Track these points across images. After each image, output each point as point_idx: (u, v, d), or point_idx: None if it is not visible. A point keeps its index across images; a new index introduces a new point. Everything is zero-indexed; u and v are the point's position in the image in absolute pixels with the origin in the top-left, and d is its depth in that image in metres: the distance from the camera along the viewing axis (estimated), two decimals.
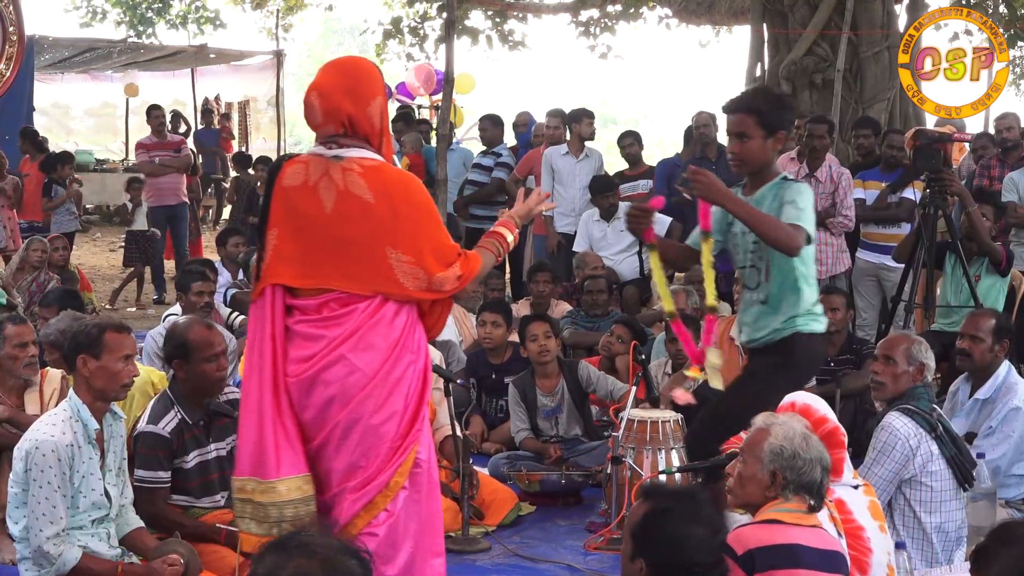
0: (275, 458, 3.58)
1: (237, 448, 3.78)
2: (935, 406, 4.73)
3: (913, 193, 7.94)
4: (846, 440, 4.04)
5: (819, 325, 4.28)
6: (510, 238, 3.88)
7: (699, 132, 9.89)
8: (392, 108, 14.39)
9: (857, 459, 4.54)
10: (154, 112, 12.87)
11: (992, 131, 10.78)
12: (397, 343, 3.59)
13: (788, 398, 4.07)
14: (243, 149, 20.05)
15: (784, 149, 10.00)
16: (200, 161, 17.88)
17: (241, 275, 8.54)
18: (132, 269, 12.37)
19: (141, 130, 22.49)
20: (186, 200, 12.58)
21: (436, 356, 5.98)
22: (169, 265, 12.58)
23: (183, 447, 4.54)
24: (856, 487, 4.04)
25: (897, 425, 4.56)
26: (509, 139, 12.32)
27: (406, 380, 3.60)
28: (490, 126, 11.12)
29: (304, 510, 3.60)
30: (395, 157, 9.57)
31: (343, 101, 3.61)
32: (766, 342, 4.28)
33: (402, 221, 3.57)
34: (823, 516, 3.58)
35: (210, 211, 19.64)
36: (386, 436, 3.57)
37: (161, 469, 4.48)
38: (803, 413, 3.92)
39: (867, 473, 4.49)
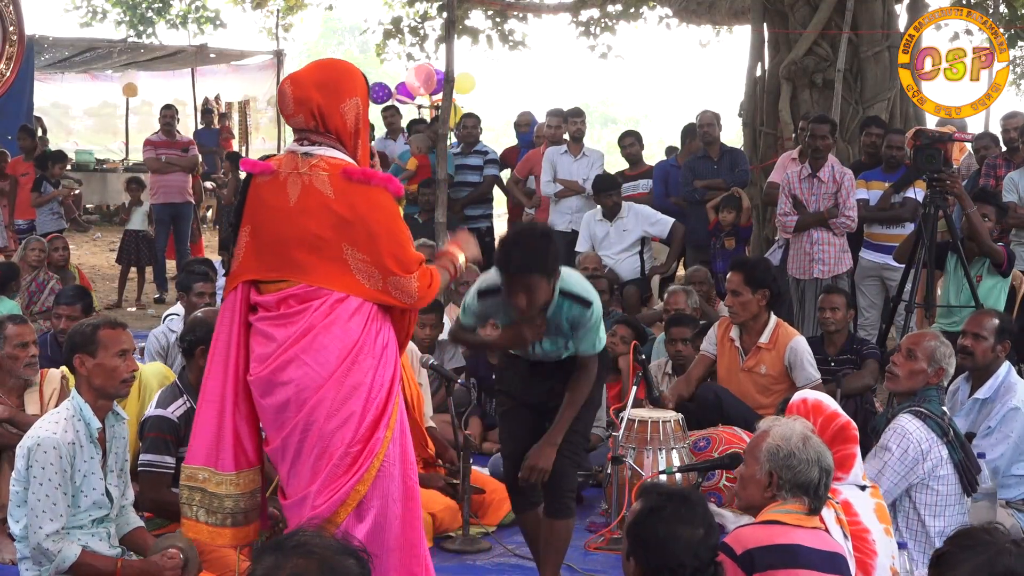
0: (232, 451, 3.65)
1: (191, 436, 3.77)
2: (945, 409, 4.71)
3: (915, 193, 7.92)
4: (858, 435, 4.03)
5: None
6: (461, 259, 3.93)
7: (703, 131, 9.88)
8: (400, 108, 14.40)
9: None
10: (165, 112, 12.90)
11: (994, 131, 10.76)
12: (355, 346, 3.52)
13: (799, 395, 4.09)
14: (243, 149, 20.02)
15: (785, 149, 10.02)
16: (201, 161, 17.84)
17: None
18: (120, 269, 12.37)
19: (141, 130, 22.55)
20: (191, 200, 12.61)
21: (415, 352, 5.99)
22: (170, 264, 12.57)
23: (189, 436, 4.52)
24: (863, 488, 4.03)
25: (910, 428, 4.54)
26: (510, 139, 12.30)
27: (365, 386, 3.52)
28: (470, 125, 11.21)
29: (253, 503, 3.69)
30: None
31: (313, 91, 3.60)
32: None
33: (360, 220, 3.53)
34: (829, 517, 3.58)
35: (210, 211, 19.61)
36: (340, 442, 3.49)
37: (168, 454, 4.47)
38: (815, 409, 3.93)
39: (875, 475, 4.47)
